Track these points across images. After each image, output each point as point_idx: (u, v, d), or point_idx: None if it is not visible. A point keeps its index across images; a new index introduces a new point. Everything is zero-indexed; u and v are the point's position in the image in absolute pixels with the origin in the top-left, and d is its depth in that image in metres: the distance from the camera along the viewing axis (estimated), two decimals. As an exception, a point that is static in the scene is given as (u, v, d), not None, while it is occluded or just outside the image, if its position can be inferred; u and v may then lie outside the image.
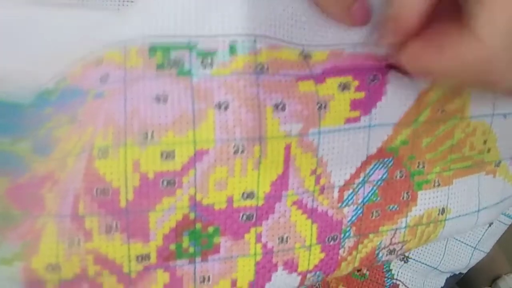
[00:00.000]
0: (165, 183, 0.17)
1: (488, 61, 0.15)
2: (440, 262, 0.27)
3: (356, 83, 0.19)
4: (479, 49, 0.15)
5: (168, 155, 0.17)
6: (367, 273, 0.27)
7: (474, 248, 0.28)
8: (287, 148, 0.18)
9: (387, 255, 0.21)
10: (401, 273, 0.27)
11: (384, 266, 0.27)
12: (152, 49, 0.17)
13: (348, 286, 0.27)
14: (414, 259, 0.27)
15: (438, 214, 0.22)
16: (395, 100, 0.19)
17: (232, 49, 0.17)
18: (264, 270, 0.19)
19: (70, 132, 0.18)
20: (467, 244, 0.28)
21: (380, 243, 0.21)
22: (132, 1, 0.22)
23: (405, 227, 0.21)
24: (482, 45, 0.15)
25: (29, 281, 0.17)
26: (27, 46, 0.19)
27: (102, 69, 0.17)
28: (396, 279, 0.27)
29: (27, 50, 0.19)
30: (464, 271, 0.30)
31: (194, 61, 0.17)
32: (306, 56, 0.19)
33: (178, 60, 0.17)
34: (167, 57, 0.17)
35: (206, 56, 0.17)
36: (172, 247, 0.18)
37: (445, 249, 0.27)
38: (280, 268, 0.19)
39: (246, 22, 0.17)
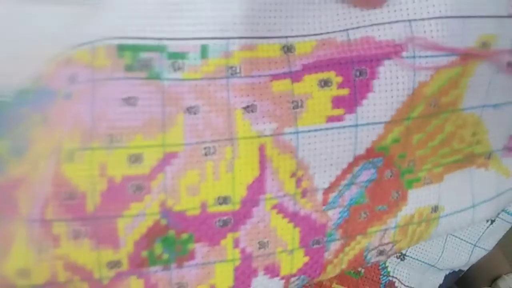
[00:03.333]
0: (133, 188, 0.16)
1: None
2: (438, 260, 0.26)
3: (340, 79, 0.17)
4: None
5: (136, 159, 0.16)
6: (362, 270, 0.26)
7: (474, 245, 0.27)
8: (262, 148, 0.17)
9: (376, 256, 0.20)
10: (398, 270, 0.26)
11: (380, 264, 0.26)
12: (121, 49, 0.16)
13: (342, 284, 0.26)
14: (411, 257, 0.26)
15: (431, 212, 0.20)
16: (387, 97, 0.18)
17: (204, 53, 0.16)
18: (243, 276, 0.18)
19: (42, 133, 0.17)
20: (467, 242, 0.27)
21: (368, 244, 0.20)
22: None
23: (395, 227, 0.20)
24: None
25: (0, 286, 0.17)
26: (5, 44, 0.18)
27: (71, 68, 0.17)
28: (392, 277, 0.26)
29: (5, 48, 0.18)
30: (465, 269, 0.29)
31: (165, 63, 0.16)
32: (288, 49, 0.17)
33: (147, 62, 0.16)
34: (136, 58, 0.16)
35: (177, 59, 0.16)
36: (144, 254, 0.17)
37: (444, 246, 0.26)
38: (260, 273, 0.18)
39: (219, 24, 0.16)
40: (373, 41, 0.18)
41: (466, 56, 0.18)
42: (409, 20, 0.18)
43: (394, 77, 0.18)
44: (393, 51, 0.18)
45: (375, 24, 0.18)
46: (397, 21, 0.18)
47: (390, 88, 0.18)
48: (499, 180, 0.23)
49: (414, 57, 0.18)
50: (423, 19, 0.17)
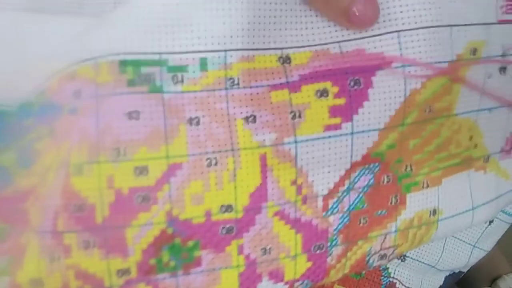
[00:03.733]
0: (140, 199, 0.17)
1: None
2: (438, 261, 0.27)
3: (336, 89, 0.18)
4: None
5: (141, 171, 0.17)
6: (363, 271, 0.27)
7: (473, 246, 0.27)
8: (263, 158, 0.17)
9: (378, 260, 0.21)
10: (398, 271, 0.27)
11: (381, 265, 0.27)
12: (123, 65, 0.17)
13: (343, 285, 0.27)
14: (411, 258, 0.26)
15: (430, 216, 0.21)
16: (380, 105, 0.18)
17: (203, 65, 0.17)
18: (248, 281, 0.19)
19: (49, 145, 0.18)
20: (466, 242, 0.27)
21: (370, 249, 0.20)
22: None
23: (396, 231, 0.21)
24: None
25: None
26: (11, 55, 0.19)
27: (75, 84, 0.17)
28: (393, 278, 0.27)
29: (11, 59, 0.19)
30: (464, 270, 0.29)
31: (165, 77, 0.17)
32: (285, 60, 0.18)
33: (149, 76, 0.17)
34: (138, 73, 0.17)
35: (177, 72, 0.17)
36: (152, 261, 0.17)
37: (443, 247, 0.27)
38: (265, 278, 0.19)
39: (216, 37, 0.17)
40: (363, 54, 0.18)
41: (456, 63, 0.19)
42: (398, 31, 0.18)
43: (387, 86, 0.18)
44: (383, 62, 0.18)
45: (365, 37, 0.18)
46: (386, 33, 0.18)
47: (383, 97, 0.18)
48: (499, 183, 0.23)
49: (403, 66, 0.18)
50: (411, 29, 0.18)
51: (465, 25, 0.19)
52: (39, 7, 0.20)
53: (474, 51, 0.19)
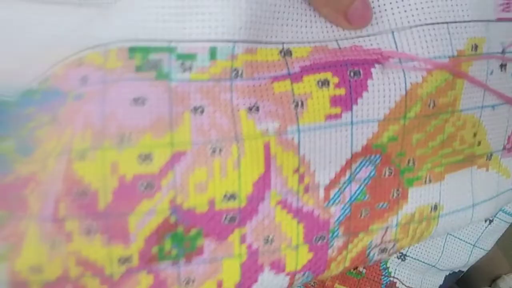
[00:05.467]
0: (144, 185, 0.17)
1: None
2: (438, 260, 0.27)
3: (336, 79, 0.18)
4: None
5: (146, 158, 0.17)
6: (364, 271, 0.27)
7: (473, 245, 0.27)
8: (266, 146, 0.18)
9: (378, 254, 0.21)
10: (399, 271, 0.27)
11: (381, 264, 0.27)
12: (132, 51, 0.17)
13: (344, 284, 0.27)
14: (411, 257, 0.26)
15: (431, 211, 0.21)
16: (379, 96, 0.19)
17: (212, 54, 0.17)
18: (250, 271, 0.19)
19: (51, 132, 0.18)
20: (466, 242, 0.27)
21: (371, 242, 0.20)
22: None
23: (396, 225, 0.21)
24: None
25: (13, 282, 0.18)
26: (13, 44, 0.19)
27: (82, 70, 0.17)
28: (393, 277, 0.27)
29: (13, 48, 0.19)
30: (464, 269, 0.29)
31: (174, 64, 0.17)
32: (286, 54, 0.18)
33: (157, 62, 0.17)
34: (146, 59, 0.17)
35: (186, 60, 0.17)
36: (154, 249, 0.17)
37: (443, 246, 0.27)
38: (266, 269, 0.19)
39: (226, 27, 0.17)
40: (361, 49, 0.19)
41: (458, 59, 0.19)
42: (392, 31, 0.19)
43: (386, 77, 0.19)
44: (381, 57, 0.19)
45: (360, 37, 0.19)
46: (380, 33, 0.19)
47: (382, 88, 0.19)
48: (500, 180, 0.23)
49: (400, 61, 0.19)
50: (404, 28, 0.19)
51: (463, 21, 0.20)
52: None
53: (476, 47, 0.20)
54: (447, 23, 0.19)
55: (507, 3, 0.21)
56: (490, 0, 0.20)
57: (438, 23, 0.19)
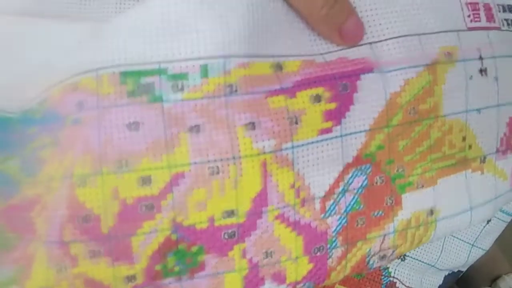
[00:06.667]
0: (144, 208, 0.17)
1: None
2: (438, 260, 0.27)
3: (328, 94, 0.19)
4: None
5: (144, 181, 0.17)
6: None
7: (472, 245, 0.28)
8: (263, 164, 0.18)
9: (378, 261, 0.21)
10: (398, 271, 0.27)
11: (381, 265, 0.27)
12: (123, 76, 0.17)
13: (344, 285, 0.27)
14: (411, 257, 0.27)
15: (427, 216, 0.21)
16: (365, 108, 0.19)
17: (203, 72, 0.17)
18: (251, 285, 0.19)
19: (53, 155, 0.18)
20: (465, 241, 0.27)
21: (369, 250, 0.21)
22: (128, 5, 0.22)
23: (394, 232, 0.21)
24: None
25: None
26: (14, 61, 0.19)
27: (78, 95, 0.18)
28: (393, 277, 0.27)
29: (14, 65, 0.19)
30: (463, 269, 0.30)
31: (165, 86, 0.17)
32: (277, 68, 0.19)
33: (148, 86, 0.17)
34: (138, 84, 0.17)
35: (177, 80, 0.17)
36: (158, 267, 0.18)
37: (442, 246, 0.27)
38: (267, 281, 0.19)
39: (216, 44, 0.17)
40: (346, 60, 0.20)
41: (433, 66, 0.20)
42: (370, 43, 0.20)
43: (369, 89, 0.19)
44: (366, 66, 0.19)
45: (344, 49, 0.20)
46: (360, 45, 0.20)
47: (366, 100, 0.19)
48: (497, 183, 0.24)
49: (382, 72, 0.20)
50: (381, 41, 0.20)
51: (434, 33, 0.21)
52: (39, 10, 0.21)
53: (449, 54, 0.21)
54: (418, 34, 0.20)
55: (474, 14, 0.22)
56: (457, 13, 0.22)
57: (411, 35, 0.20)
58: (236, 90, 0.18)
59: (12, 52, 0.19)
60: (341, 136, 0.19)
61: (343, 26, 0.19)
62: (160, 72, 0.17)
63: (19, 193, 0.19)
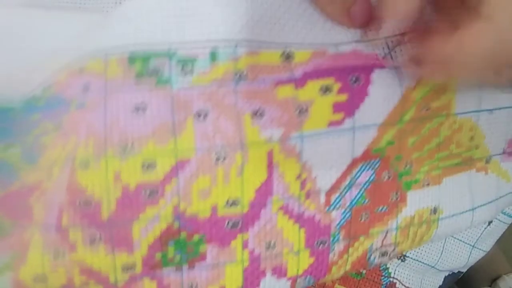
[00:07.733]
0: (147, 192, 0.17)
1: (502, 42, 0.16)
2: (438, 261, 0.27)
3: (338, 85, 0.18)
4: (493, 31, 0.16)
5: (149, 166, 0.17)
6: (364, 271, 0.27)
7: (473, 246, 0.28)
8: (270, 154, 0.18)
9: (379, 257, 0.21)
10: (398, 271, 0.27)
11: (381, 265, 0.27)
12: (132, 58, 0.17)
13: (344, 285, 0.27)
14: (411, 258, 0.27)
15: (430, 214, 0.21)
16: (379, 101, 0.19)
17: (213, 56, 0.17)
18: (252, 277, 0.19)
19: (55, 140, 0.18)
20: (465, 243, 0.27)
21: (371, 245, 0.21)
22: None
23: (396, 228, 0.21)
24: (494, 26, 0.15)
25: None
26: (16, 52, 0.19)
27: (84, 78, 0.17)
28: (393, 278, 0.27)
29: (16, 56, 0.19)
30: (464, 270, 0.29)
31: (174, 69, 0.17)
32: (288, 57, 0.18)
33: (157, 68, 0.17)
34: (146, 66, 0.17)
35: (187, 63, 0.17)
36: (158, 256, 0.18)
37: (443, 247, 0.27)
38: (268, 274, 0.19)
39: (227, 26, 0.17)
40: (360, 54, 0.19)
41: None
42: (385, 37, 0.20)
43: (384, 82, 0.19)
44: (378, 63, 0.19)
45: (359, 41, 0.19)
46: (374, 39, 0.20)
47: (381, 92, 0.19)
48: (500, 184, 0.23)
49: (395, 67, 0.19)
50: (395, 35, 0.20)
51: None
52: (40, 3, 0.20)
53: None
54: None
55: None
56: None
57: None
58: (245, 78, 0.18)
59: (16, 42, 0.19)
60: (353, 128, 0.19)
61: (352, 7, 0.19)
62: (169, 54, 0.17)
63: (18, 180, 0.18)
